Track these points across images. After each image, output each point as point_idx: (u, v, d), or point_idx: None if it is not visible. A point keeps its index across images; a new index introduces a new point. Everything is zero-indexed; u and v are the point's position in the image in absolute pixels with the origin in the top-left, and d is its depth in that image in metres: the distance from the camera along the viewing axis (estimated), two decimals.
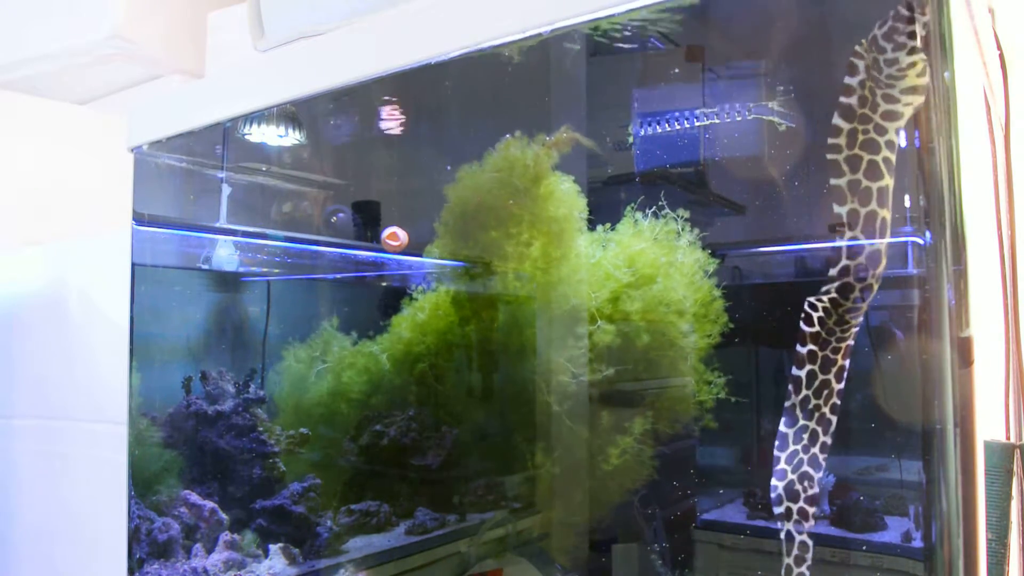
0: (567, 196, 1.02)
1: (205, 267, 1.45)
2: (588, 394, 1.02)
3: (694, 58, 0.95)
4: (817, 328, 0.74)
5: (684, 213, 0.97)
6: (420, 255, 1.28)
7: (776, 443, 0.75)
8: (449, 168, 1.24)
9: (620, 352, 1.01)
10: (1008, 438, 0.93)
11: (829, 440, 0.75)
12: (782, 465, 0.74)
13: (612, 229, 1.02)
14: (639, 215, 1.00)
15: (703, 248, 0.98)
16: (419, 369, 1.23)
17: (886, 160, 0.71)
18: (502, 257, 1.06)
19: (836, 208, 0.73)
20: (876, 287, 0.74)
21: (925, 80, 0.68)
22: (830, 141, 0.72)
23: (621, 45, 0.92)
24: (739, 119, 0.91)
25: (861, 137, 0.71)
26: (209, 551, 1.24)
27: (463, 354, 1.20)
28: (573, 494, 1.03)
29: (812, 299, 0.74)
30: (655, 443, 0.99)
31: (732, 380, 0.97)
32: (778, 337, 0.95)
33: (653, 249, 0.99)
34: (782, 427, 0.75)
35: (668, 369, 0.99)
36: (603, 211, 1.03)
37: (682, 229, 0.98)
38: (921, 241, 0.69)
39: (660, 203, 0.98)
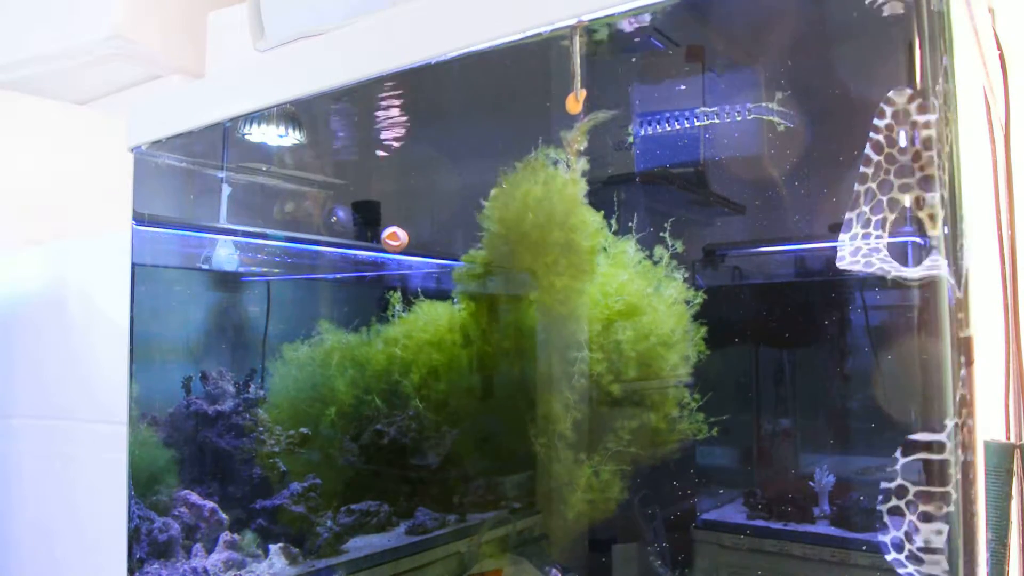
0: (594, 230, 1.02)
1: (205, 267, 1.45)
2: (585, 405, 1.03)
3: (694, 58, 0.95)
4: None
5: (678, 245, 0.98)
6: (421, 256, 1.28)
7: None
8: (449, 169, 1.25)
9: (612, 370, 1.02)
10: (1008, 438, 0.93)
11: None
12: None
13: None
14: (630, 244, 1.00)
15: (697, 258, 0.99)
16: (422, 372, 1.23)
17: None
18: (532, 280, 1.07)
19: None
20: None
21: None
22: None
23: (621, 45, 0.92)
24: (739, 119, 0.91)
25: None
26: (209, 551, 1.24)
27: (470, 362, 1.21)
28: (572, 495, 1.03)
29: None
30: (644, 449, 1.00)
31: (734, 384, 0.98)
32: (776, 337, 0.96)
33: (637, 280, 1.00)
34: None
35: (657, 384, 1.00)
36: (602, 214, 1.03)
37: (668, 263, 0.99)
38: (921, 241, 0.69)
39: (651, 226, 0.98)
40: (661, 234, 0.98)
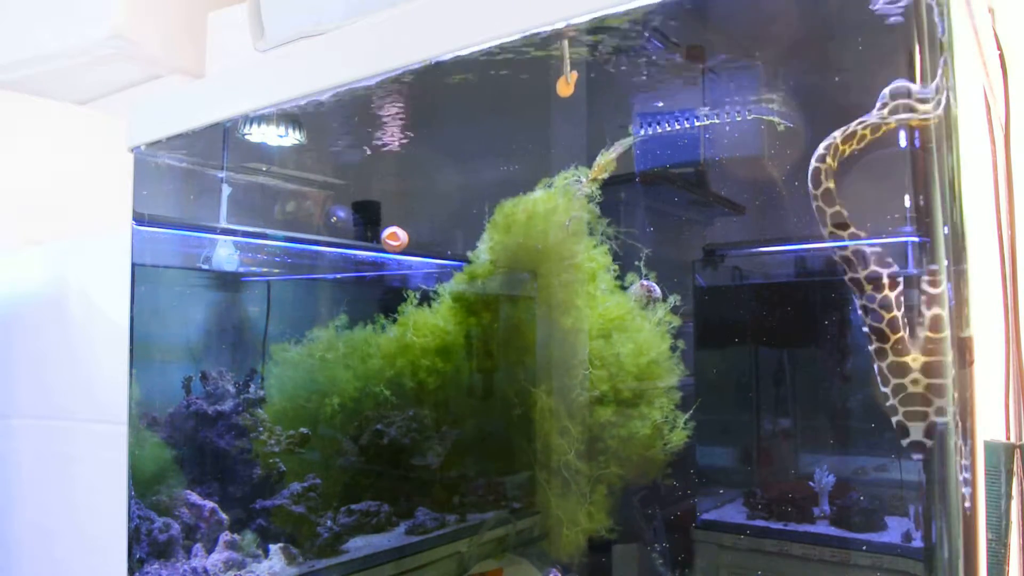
0: (600, 258, 1.04)
1: (205, 267, 1.45)
2: (582, 410, 1.04)
3: (694, 58, 0.95)
4: None
5: (652, 277, 1.00)
6: (423, 256, 1.29)
7: None
8: (450, 170, 1.25)
9: (605, 376, 1.03)
10: (1008, 438, 0.93)
11: None
12: None
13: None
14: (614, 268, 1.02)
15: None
16: (422, 375, 1.23)
17: None
18: (541, 294, 1.09)
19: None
20: None
21: None
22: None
23: (620, 45, 0.92)
24: (739, 119, 0.91)
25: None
26: (209, 551, 1.24)
27: (470, 364, 1.21)
28: (571, 495, 1.03)
29: None
30: (643, 452, 1.01)
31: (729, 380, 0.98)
32: (776, 338, 0.96)
33: (622, 300, 1.02)
34: None
35: (652, 390, 1.02)
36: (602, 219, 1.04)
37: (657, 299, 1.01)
38: (921, 241, 0.69)
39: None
40: (636, 262, 1.00)
